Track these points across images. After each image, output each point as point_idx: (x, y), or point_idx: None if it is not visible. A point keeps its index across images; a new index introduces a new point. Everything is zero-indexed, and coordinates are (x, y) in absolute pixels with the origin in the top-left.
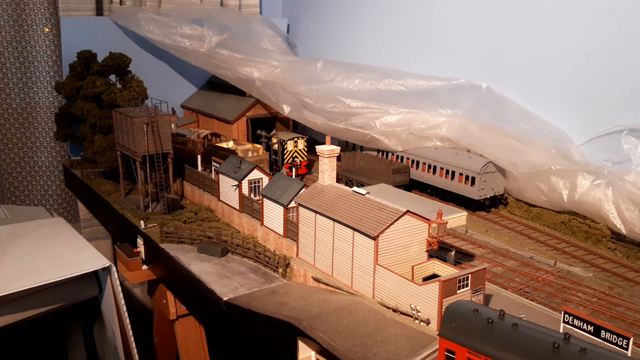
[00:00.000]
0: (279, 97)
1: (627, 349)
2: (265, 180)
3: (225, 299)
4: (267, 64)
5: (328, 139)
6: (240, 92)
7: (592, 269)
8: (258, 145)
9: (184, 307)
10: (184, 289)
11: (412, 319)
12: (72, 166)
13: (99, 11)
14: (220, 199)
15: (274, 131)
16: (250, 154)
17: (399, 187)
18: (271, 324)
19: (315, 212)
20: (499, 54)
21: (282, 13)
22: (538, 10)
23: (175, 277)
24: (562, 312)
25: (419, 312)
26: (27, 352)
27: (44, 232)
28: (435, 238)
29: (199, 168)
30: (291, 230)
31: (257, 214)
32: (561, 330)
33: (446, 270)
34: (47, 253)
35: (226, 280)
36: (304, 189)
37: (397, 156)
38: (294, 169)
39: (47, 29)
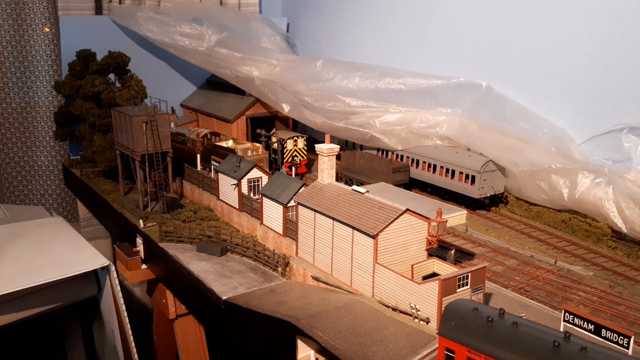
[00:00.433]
0: (278, 96)
1: (628, 348)
2: (265, 179)
3: (224, 298)
4: (267, 63)
5: (327, 137)
6: (239, 91)
7: (593, 267)
8: (257, 144)
9: (184, 307)
10: (183, 288)
11: (412, 318)
12: (71, 165)
13: (98, 10)
14: (220, 198)
15: (273, 130)
16: (249, 153)
17: (398, 186)
18: (270, 323)
19: (315, 210)
20: (499, 53)
21: (281, 12)
22: (538, 10)
23: (175, 277)
24: (563, 310)
25: (419, 310)
26: (26, 351)
27: (43, 231)
28: (435, 237)
29: (199, 167)
30: (290, 229)
31: (256, 213)
32: (561, 329)
33: (446, 269)
34: (47, 252)
35: (225, 279)
36: (303, 188)
37: (397, 155)
38: (293, 168)
39: (47, 29)
